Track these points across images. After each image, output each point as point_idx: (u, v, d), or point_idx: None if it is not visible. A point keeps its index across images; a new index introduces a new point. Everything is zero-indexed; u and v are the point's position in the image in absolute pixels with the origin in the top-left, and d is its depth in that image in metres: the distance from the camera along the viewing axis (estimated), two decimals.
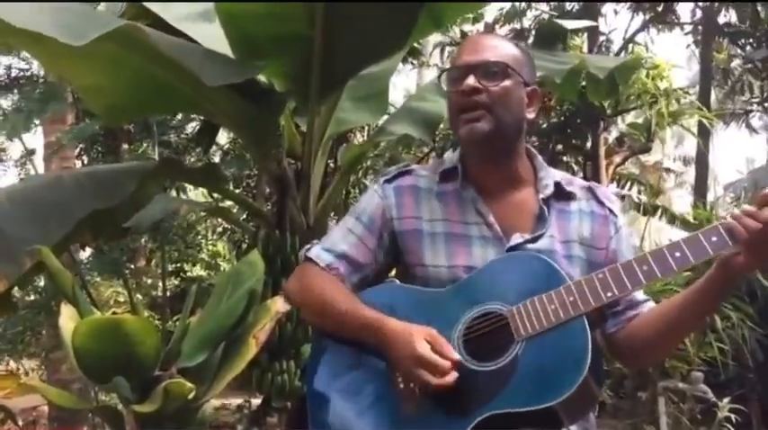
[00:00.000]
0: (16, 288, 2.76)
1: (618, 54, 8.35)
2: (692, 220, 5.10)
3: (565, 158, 7.90)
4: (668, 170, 13.15)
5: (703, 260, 1.26)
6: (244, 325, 2.37)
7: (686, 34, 9.32)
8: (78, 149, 6.23)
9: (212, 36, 2.70)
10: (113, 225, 3.06)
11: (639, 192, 9.12)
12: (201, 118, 4.27)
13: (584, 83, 3.69)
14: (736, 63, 9.69)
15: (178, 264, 6.68)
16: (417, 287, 1.44)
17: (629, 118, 8.84)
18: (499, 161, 1.47)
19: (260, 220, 3.39)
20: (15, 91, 5.52)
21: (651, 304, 1.47)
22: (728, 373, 4.21)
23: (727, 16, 8.63)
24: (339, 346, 1.45)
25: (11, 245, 2.47)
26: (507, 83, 1.42)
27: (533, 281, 1.32)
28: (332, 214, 4.23)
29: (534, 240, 1.41)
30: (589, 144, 7.69)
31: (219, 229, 7.46)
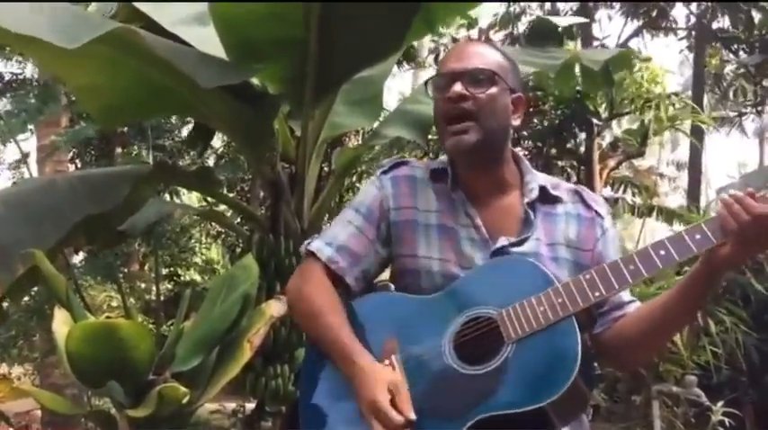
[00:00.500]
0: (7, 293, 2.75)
1: None
2: (688, 217, 5.12)
3: (560, 163, 7.92)
4: (662, 175, 13.19)
5: (688, 257, 1.27)
6: (238, 329, 2.36)
7: (680, 39, 9.37)
8: (72, 153, 6.21)
9: (206, 39, 2.70)
10: (107, 229, 3.05)
11: (634, 195, 9.15)
12: (196, 121, 4.27)
13: (579, 87, 3.72)
14: (728, 68, 9.74)
15: (172, 268, 6.67)
16: (408, 295, 1.46)
17: (624, 123, 8.87)
18: (486, 168, 1.48)
19: (254, 224, 3.39)
20: (9, 95, 5.51)
21: (637, 304, 1.48)
22: (722, 377, 4.22)
23: (721, 21, 8.69)
24: None
25: (4, 249, 2.46)
26: (493, 90, 1.44)
27: (522, 284, 1.33)
28: (326, 218, 4.24)
29: (520, 243, 1.43)
30: (583, 148, 7.71)
31: (213, 233, 7.45)
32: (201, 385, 2.33)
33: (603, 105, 7.32)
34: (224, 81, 2.49)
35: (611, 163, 8.43)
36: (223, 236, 7.47)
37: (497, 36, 8.86)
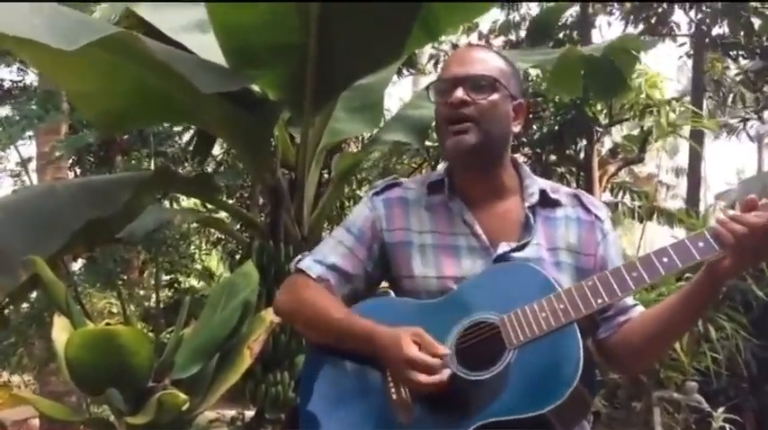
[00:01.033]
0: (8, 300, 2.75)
1: None
2: (688, 222, 5.11)
3: (559, 169, 7.93)
4: (660, 182, 13.20)
5: (690, 265, 1.27)
6: (238, 336, 2.36)
7: (680, 46, 9.38)
8: (71, 160, 6.21)
9: (207, 46, 2.70)
10: (107, 236, 3.05)
11: (633, 199, 9.16)
12: (196, 128, 4.27)
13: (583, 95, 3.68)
14: (728, 74, 9.75)
15: (172, 275, 6.65)
16: (409, 299, 1.45)
17: (623, 129, 8.88)
18: (485, 172, 1.48)
19: (254, 231, 3.39)
20: (10, 101, 5.51)
21: (641, 308, 1.48)
22: (722, 383, 4.21)
23: (721, 27, 8.69)
24: (333, 357, 1.45)
25: (5, 256, 2.46)
26: (495, 96, 1.44)
27: (524, 289, 1.32)
28: (326, 224, 4.23)
29: (520, 248, 1.42)
30: (582, 155, 7.72)
31: (213, 239, 7.44)
32: (201, 392, 2.33)
33: (604, 112, 7.34)
34: (224, 87, 2.50)
35: (611, 169, 8.45)
36: (223, 242, 7.46)
37: (497, 41, 8.87)
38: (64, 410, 2.74)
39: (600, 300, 1.28)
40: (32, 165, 5.83)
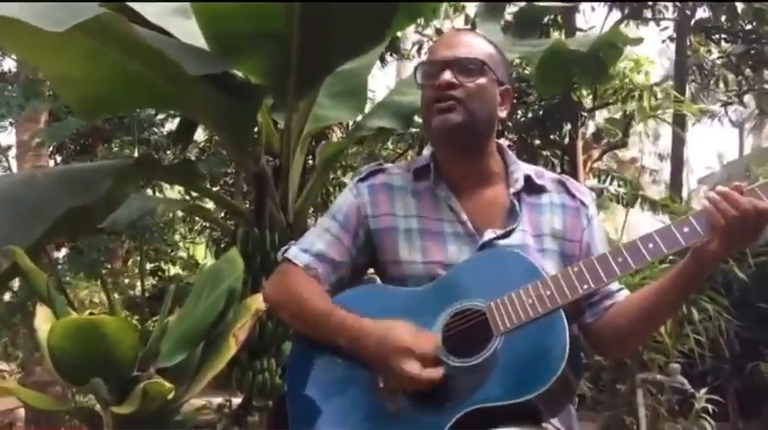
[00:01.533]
0: None
1: None
2: (672, 207, 5.14)
3: (544, 153, 7.95)
4: (643, 167, 13.27)
5: (676, 250, 1.28)
6: (223, 323, 2.35)
7: (662, 30, 9.39)
8: (52, 148, 6.13)
9: (191, 32, 2.67)
10: (90, 225, 3.02)
11: (619, 186, 9.20)
12: (180, 115, 4.22)
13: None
14: (711, 58, 9.78)
15: (156, 264, 6.62)
16: (395, 287, 1.45)
17: (607, 113, 8.90)
18: (470, 157, 1.48)
19: (238, 218, 3.37)
20: None
21: (626, 292, 1.48)
22: (705, 365, 4.26)
23: (705, 11, 8.71)
24: (320, 345, 1.44)
25: None
26: (482, 80, 1.44)
27: (510, 276, 1.32)
28: (311, 211, 4.22)
29: (506, 235, 1.42)
30: (567, 139, 7.73)
31: (197, 228, 7.39)
32: (187, 381, 2.32)
33: (589, 96, 7.34)
34: (211, 69, 2.48)
35: (595, 154, 8.47)
36: (208, 230, 7.42)
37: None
38: (48, 400, 2.72)
39: (586, 286, 1.29)
40: (12, 153, 5.76)
